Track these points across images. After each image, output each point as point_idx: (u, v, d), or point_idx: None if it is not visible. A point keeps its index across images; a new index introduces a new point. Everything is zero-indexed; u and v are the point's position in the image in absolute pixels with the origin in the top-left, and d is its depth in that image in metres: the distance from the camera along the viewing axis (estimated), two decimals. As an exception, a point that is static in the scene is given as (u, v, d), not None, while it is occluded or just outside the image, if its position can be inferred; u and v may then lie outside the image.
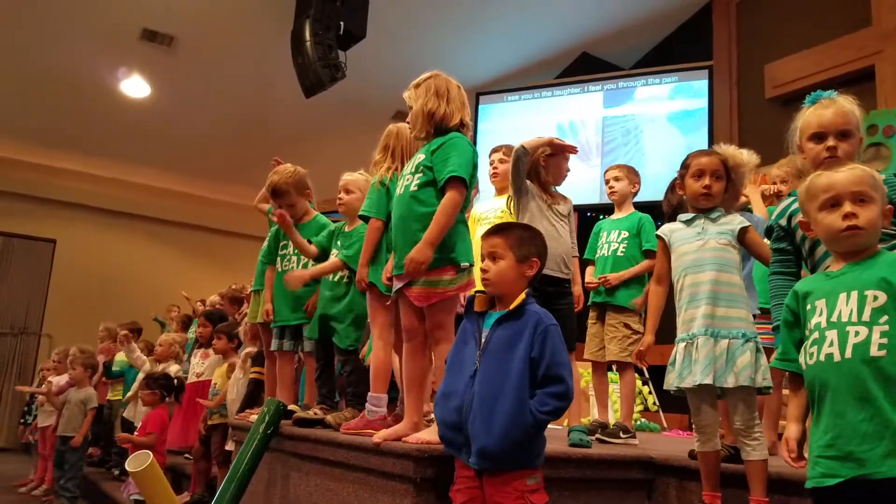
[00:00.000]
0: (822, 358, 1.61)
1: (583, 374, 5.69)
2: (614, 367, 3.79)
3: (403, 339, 2.63)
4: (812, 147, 2.10)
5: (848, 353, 1.56)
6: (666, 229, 2.56)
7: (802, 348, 1.70)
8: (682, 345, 2.34)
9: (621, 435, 3.35)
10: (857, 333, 1.57)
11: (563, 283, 3.11)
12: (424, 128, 2.63)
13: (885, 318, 1.55)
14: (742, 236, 2.41)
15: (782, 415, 3.65)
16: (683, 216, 2.54)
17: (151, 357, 6.27)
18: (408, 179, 2.62)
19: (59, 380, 6.35)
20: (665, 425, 5.64)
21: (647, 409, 5.89)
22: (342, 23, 6.36)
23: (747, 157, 2.68)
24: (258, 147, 9.19)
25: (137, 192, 10.65)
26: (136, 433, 5.22)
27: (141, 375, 5.89)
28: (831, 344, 1.60)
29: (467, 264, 2.49)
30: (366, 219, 2.97)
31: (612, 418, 3.82)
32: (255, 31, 7.27)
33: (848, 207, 1.67)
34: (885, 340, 1.53)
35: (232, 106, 8.56)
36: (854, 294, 1.60)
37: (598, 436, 3.35)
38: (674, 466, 2.65)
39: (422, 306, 2.50)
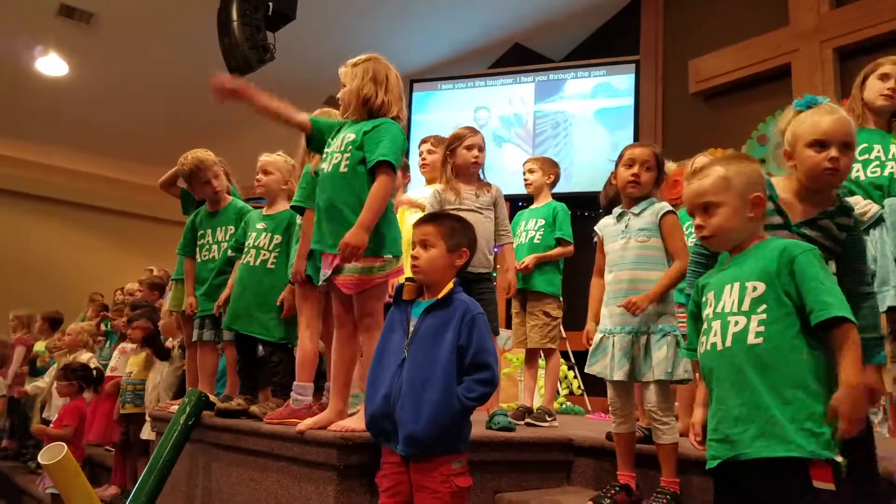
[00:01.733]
0: (708, 347, 1.69)
1: (511, 359, 5.80)
2: (541, 354, 3.88)
3: (334, 326, 2.62)
4: (811, 155, 1.89)
5: (728, 342, 1.64)
6: (600, 225, 2.66)
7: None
8: (600, 336, 2.47)
9: (546, 418, 3.45)
10: (736, 323, 1.64)
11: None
12: (357, 111, 2.60)
13: (763, 307, 1.62)
14: (661, 221, 2.48)
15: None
16: (615, 210, 2.63)
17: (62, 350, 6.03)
18: (336, 158, 2.56)
19: None
20: (589, 408, 5.81)
21: (571, 392, 6.04)
22: (271, 3, 6.21)
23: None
24: (184, 129, 8.90)
25: (55, 175, 10.17)
26: (52, 425, 5.03)
27: (55, 366, 5.67)
28: (715, 333, 1.68)
29: (389, 256, 2.49)
30: (299, 210, 2.93)
31: (538, 402, 3.90)
32: (180, 9, 7.01)
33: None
34: (762, 328, 1.61)
35: (155, 86, 8.24)
36: (736, 285, 1.68)
37: (526, 420, 3.44)
38: (592, 448, 2.74)
39: (350, 294, 2.49)
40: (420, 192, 3.79)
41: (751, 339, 1.61)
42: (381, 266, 2.47)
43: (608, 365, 2.42)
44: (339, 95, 2.67)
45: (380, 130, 2.51)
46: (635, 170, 2.54)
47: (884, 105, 2.70)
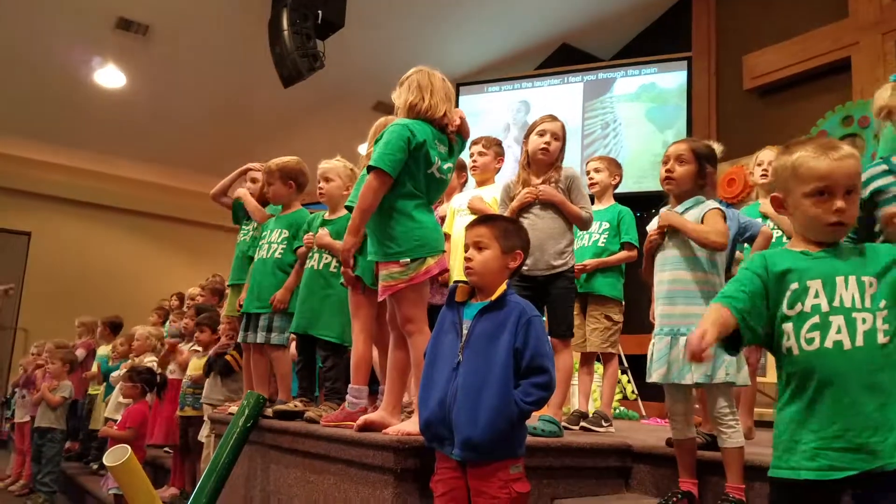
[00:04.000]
0: (829, 345, 1.54)
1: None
2: (600, 358, 3.82)
3: (389, 330, 2.65)
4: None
5: (859, 341, 1.52)
6: (652, 224, 2.60)
7: (789, 330, 1.59)
8: (654, 339, 2.42)
9: (602, 423, 3.39)
10: (864, 321, 1.52)
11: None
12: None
13: (884, 302, 1.53)
14: (703, 219, 2.39)
15: (758, 401, 3.71)
16: (664, 208, 2.57)
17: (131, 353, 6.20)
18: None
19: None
20: (644, 413, 5.70)
21: (625, 397, 5.95)
22: (320, 12, 6.29)
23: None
24: (236, 137, 9.11)
25: (114, 183, 10.50)
26: (115, 427, 5.17)
27: (123, 368, 5.83)
28: (839, 331, 1.53)
29: (407, 260, 2.46)
30: (351, 209, 2.95)
31: (592, 407, 3.85)
32: (231, 19, 7.17)
33: (840, 203, 1.59)
34: (886, 326, 1.51)
35: (209, 96, 8.45)
36: (853, 279, 1.56)
37: (581, 424, 3.39)
38: (651, 454, 2.68)
39: (382, 299, 2.52)
40: (470, 193, 3.77)
41: (881, 339, 1.51)
42: (400, 271, 2.45)
43: (652, 367, 2.37)
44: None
45: (382, 135, 2.54)
46: (668, 165, 2.48)
47: None
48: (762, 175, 3.46)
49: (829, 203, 1.60)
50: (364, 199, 2.47)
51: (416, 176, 2.53)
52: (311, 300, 3.32)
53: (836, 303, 1.55)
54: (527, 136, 3.19)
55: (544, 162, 3.11)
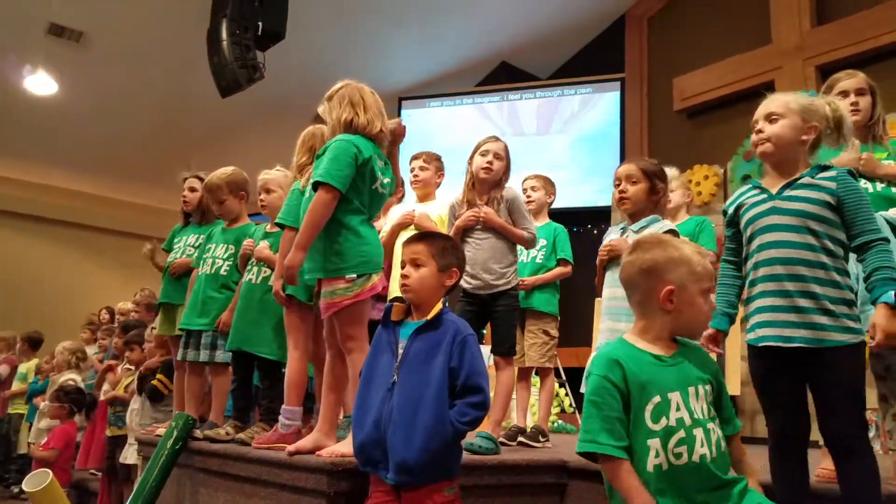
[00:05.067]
0: (695, 458, 1.63)
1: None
2: (535, 372, 3.86)
3: (325, 348, 2.62)
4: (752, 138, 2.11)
5: (714, 453, 1.66)
6: (606, 238, 2.67)
7: (656, 445, 1.63)
8: (596, 353, 2.46)
9: (540, 438, 3.43)
10: (713, 431, 1.67)
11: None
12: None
13: (713, 410, 1.71)
14: None
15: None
16: (620, 224, 2.65)
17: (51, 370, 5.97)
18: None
19: None
20: (582, 421, 5.78)
21: (563, 410, 6.03)
22: (260, 23, 6.22)
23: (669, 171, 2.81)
24: (173, 148, 8.88)
25: (43, 193, 10.08)
26: (39, 447, 4.96)
27: (51, 388, 5.60)
28: (702, 444, 1.64)
29: (353, 276, 2.44)
30: (281, 226, 2.91)
31: (530, 422, 3.88)
32: (169, 28, 7.02)
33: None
34: (720, 433, 1.70)
35: (145, 105, 8.24)
36: (700, 389, 1.70)
37: (519, 439, 3.41)
38: (586, 470, 2.70)
39: (324, 317, 2.49)
40: (409, 207, 3.76)
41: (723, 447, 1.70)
42: (345, 287, 2.43)
43: None
44: (326, 134, 2.69)
45: (326, 152, 2.52)
46: (621, 186, 2.56)
47: (854, 121, 2.57)
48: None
49: (710, 301, 1.76)
50: (315, 214, 2.43)
51: (361, 191, 2.52)
52: (248, 315, 3.21)
53: (697, 415, 1.66)
54: (471, 157, 3.24)
55: (487, 181, 3.16)
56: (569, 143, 7.52)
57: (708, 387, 1.68)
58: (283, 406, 2.78)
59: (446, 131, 7.74)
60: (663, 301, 1.72)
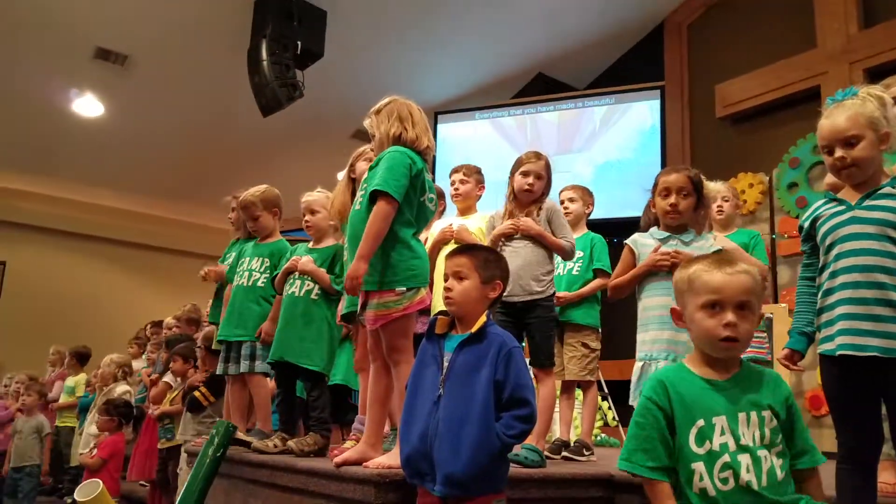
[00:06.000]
0: (742, 484, 1.56)
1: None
2: (578, 386, 3.82)
3: (370, 361, 2.63)
4: (826, 158, 2.05)
5: (764, 482, 1.56)
6: (638, 242, 2.60)
7: (701, 469, 1.59)
8: (640, 364, 2.41)
9: (584, 452, 3.39)
10: (766, 459, 1.58)
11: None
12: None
13: (779, 437, 1.59)
14: None
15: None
16: (658, 233, 2.58)
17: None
18: (358, 197, 2.65)
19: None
20: (625, 440, 5.69)
21: (606, 424, 5.94)
22: (299, 42, 6.34)
23: (713, 186, 2.76)
24: (214, 166, 9.08)
25: (91, 212, 10.39)
26: (90, 455, 5.08)
27: (100, 398, 5.74)
28: (748, 470, 1.57)
29: (403, 289, 2.46)
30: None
31: (573, 435, 3.84)
32: (210, 49, 7.19)
33: (730, 316, 1.62)
34: (781, 462, 1.58)
35: (187, 125, 8.44)
36: (754, 415, 1.60)
37: (563, 454, 3.38)
38: (632, 483, 2.66)
39: (372, 329, 2.49)
40: (451, 221, 3.78)
41: (780, 476, 1.58)
42: (396, 300, 2.45)
43: None
44: (370, 147, 2.72)
45: (381, 162, 2.54)
46: (672, 199, 2.51)
47: None
48: (717, 210, 3.58)
49: (720, 316, 1.62)
50: (377, 224, 2.44)
51: (413, 204, 2.55)
52: (292, 327, 3.28)
53: (744, 441, 1.59)
54: (512, 173, 3.25)
55: (528, 200, 3.21)
56: (608, 153, 7.45)
57: (766, 413, 1.60)
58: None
59: (484, 144, 7.74)
60: (676, 321, 1.74)
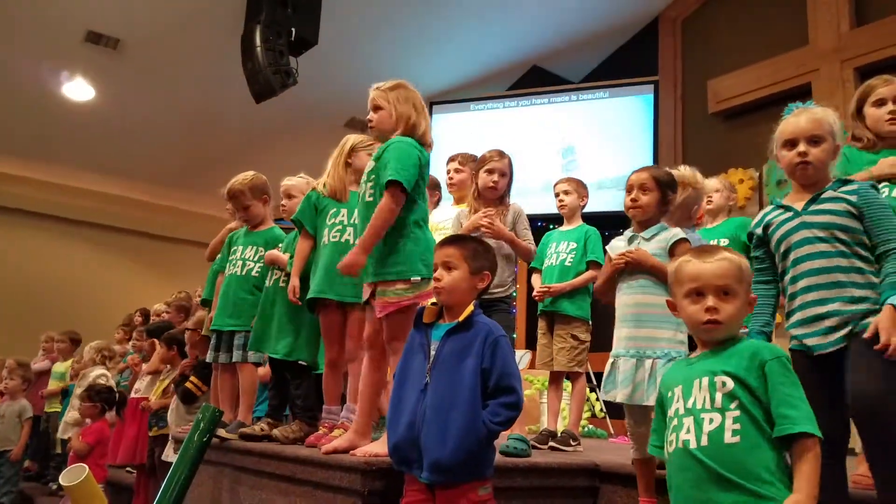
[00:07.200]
0: (680, 444, 1.64)
1: (533, 381, 5.76)
2: (567, 377, 3.84)
3: (365, 349, 2.64)
4: (785, 154, 2.15)
5: (704, 442, 1.59)
6: (612, 246, 2.64)
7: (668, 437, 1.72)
8: (612, 360, 2.46)
9: (571, 442, 3.41)
10: (711, 420, 1.60)
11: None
12: (395, 131, 2.62)
13: (735, 402, 1.60)
14: (672, 250, 2.44)
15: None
16: (627, 233, 2.61)
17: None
18: (363, 188, 2.65)
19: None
20: (612, 431, 5.74)
21: (594, 415, 5.98)
22: (294, 29, 6.30)
23: (690, 174, 2.77)
24: (206, 152, 9.03)
25: (80, 197, 10.31)
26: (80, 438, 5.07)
27: (78, 388, 5.71)
28: (688, 431, 1.63)
29: (417, 278, 2.47)
30: (298, 224, 3.02)
31: (561, 426, 3.87)
32: (204, 35, 7.14)
33: (710, 301, 1.69)
34: (737, 426, 1.58)
35: (179, 110, 8.38)
36: (705, 380, 1.65)
37: (550, 443, 3.40)
38: (618, 474, 2.70)
39: (379, 316, 2.50)
40: (448, 211, 3.78)
41: (727, 438, 1.58)
42: (407, 288, 2.46)
43: (616, 387, 2.42)
44: (371, 118, 2.68)
45: (388, 152, 2.54)
46: (633, 195, 2.55)
47: (891, 130, 2.63)
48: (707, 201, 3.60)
49: (703, 302, 1.70)
50: (385, 214, 2.46)
51: (422, 194, 2.58)
52: (274, 318, 3.28)
53: (689, 405, 1.66)
54: (476, 171, 3.33)
55: (492, 197, 3.31)
56: (600, 146, 7.46)
57: (720, 378, 1.62)
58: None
59: (478, 135, 7.72)
60: (672, 312, 1.86)
